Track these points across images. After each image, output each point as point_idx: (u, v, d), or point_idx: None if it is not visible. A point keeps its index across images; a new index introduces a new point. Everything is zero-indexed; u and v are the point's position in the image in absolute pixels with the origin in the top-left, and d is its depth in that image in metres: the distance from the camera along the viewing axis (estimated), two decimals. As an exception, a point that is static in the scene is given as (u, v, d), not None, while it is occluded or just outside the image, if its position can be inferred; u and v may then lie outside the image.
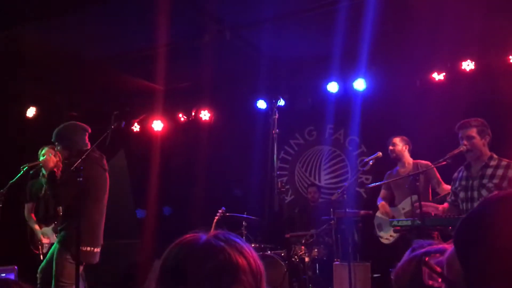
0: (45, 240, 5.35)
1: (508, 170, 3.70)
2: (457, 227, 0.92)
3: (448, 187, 4.65)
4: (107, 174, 4.26)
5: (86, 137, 4.24)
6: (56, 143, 4.18)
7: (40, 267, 4.07)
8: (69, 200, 3.88)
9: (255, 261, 1.03)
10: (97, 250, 4.02)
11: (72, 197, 3.82)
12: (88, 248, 3.89)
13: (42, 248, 5.35)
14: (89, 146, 4.16)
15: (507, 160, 3.79)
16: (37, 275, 4.02)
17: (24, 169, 5.14)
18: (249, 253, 1.04)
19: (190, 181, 7.59)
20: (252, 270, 1.01)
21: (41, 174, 5.42)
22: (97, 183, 4.06)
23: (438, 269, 1.00)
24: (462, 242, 0.89)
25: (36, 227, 5.41)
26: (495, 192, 0.92)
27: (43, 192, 5.35)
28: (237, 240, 1.06)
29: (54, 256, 3.88)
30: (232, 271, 0.98)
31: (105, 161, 4.27)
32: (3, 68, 6.09)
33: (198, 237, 1.05)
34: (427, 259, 1.16)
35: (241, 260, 1.00)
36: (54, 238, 5.24)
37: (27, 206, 5.51)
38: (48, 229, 5.34)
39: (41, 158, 5.30)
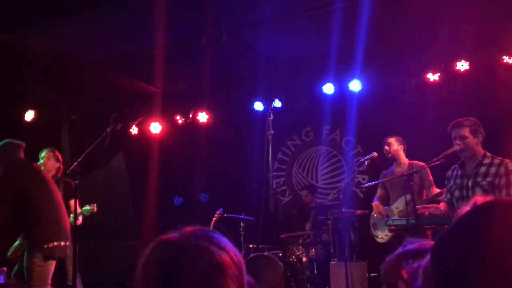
0: None
1: (500, 167, 3.74)
2: (435, 241, 0.92)
3: (438, 190, 4.72)
4: (41, 174, 4.44)
5: (21, 152, 4.36)
6: None
7: (14, 271, 4.26)
8: (6, 214, 4.03)
9: (235, 253, 1.07)
10: (64, 243, 4.20)
11: (8, 211, 3.99)
12: (55, 243, 4.09)
13: None
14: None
15: (500, 158, 3.83)
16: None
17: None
18: (229, 248, 1.06)
19: (189, 183, 7.64)
20: (235, 262, 1.04)
21: None
22: (32, 187, 4.18)
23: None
24: (437, 258, 0.89)
25: None
26: (472, 207, 0.90)
27: None
28: (216, 236, 1.08)
29: (24, 261, 4.05)
30: (219, 268, 1.01)
31: (34, 165, 4.53)
32: (2, 71, 6.13)
33: (175, 237, 1.06)
34: (403, 272, 1.19)
35: (224, 256, 1.03)
36: None
37: None
38: None
39: (41, 161, 5.37)
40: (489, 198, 0.91)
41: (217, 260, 1.02)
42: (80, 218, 5.30)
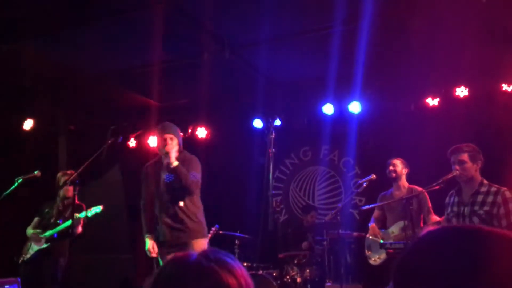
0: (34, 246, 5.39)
1: (497, 196, 3.73)
2: (395, 265, 0.92)
3: (437, 218, 4.71)
4: None
5: None
6: None
7: None
8: None
9: (246, 280, 1.06)
10: None
11: None
12: None
13: (26, 255, 5.37)
14: None
15: (497, 186, 3.83)
16: None
17: (19, 182, 5.17)
18: (239, 273, 1.05)
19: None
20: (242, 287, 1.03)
21: (58, 198, 5.58)
22: None
23: None
24: (396, 280, 0.89)
25: (30, 230, 5.46)
26: (422, 237, 0.90)
27: (54, 208, 5.50)
28: (228, 259, 1.07)
29: None
30: None
31: None
32: (2, 80, 6.13)
33: (189, 256, 1.07)
34: None
35: (232, 280, 1.02)
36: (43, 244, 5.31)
37: (35, 221, 5.61)
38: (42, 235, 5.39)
39: (61, 184, 5.44)
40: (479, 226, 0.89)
41: (223, 283, 1.01)
42: (80, 225, 5.32)
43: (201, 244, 4.24)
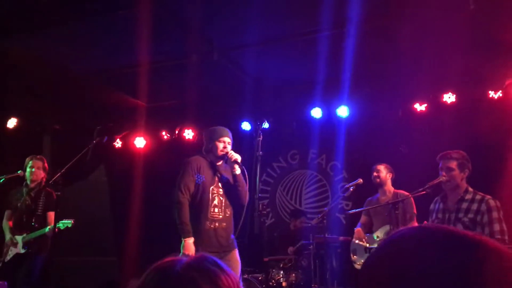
0: (13, 250, 5.24)
1: (482, 204, 3.75)
2: (362, 265, 0.90)
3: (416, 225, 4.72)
4: None
5: None
6: None
7: None
8: None
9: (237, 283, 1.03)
10: None
11: None
12: None
13: (6, 256, 5.25)
14: None
15: (481, 194, 3.85)
16: None
17: (1, 181, 5.08)
18: (224, 283, 1.02)
19: (172, 200, 7.49)
20: None
21: (24, 183, 5.35)
22: None
23: None
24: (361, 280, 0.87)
25: (9, 235, 5.30)
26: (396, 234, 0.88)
27: (21, 201, 5.26)
28: (212, 268, 1.03)
29: None
30: None
31: None
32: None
33: (173, 264, 1.03)
34: None
35: (229, 281, 1.00)
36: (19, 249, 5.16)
37: (6, 213, 5.42)
38: (19, 238, 5.23)
39: (28, 169, 5.26)
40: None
41: (223, 284, 0.99)
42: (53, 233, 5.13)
43: (237, 255, 4.11)
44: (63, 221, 5.00)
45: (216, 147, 4.11)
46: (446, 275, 0.76)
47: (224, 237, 4.04)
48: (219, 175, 4.12)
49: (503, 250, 0.79)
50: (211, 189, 4.07)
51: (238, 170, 4.04)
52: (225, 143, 4.11)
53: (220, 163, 4.15)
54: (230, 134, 4.23)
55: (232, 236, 4.12)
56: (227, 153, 4.04)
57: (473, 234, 0.82)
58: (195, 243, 3.93)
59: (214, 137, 4.17)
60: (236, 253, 4.10)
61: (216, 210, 4.05)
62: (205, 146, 4.25)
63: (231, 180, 4.11)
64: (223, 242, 4.02)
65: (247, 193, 4.07)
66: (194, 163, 4.13)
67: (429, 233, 0.84)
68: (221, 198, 4.09)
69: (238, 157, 4.01)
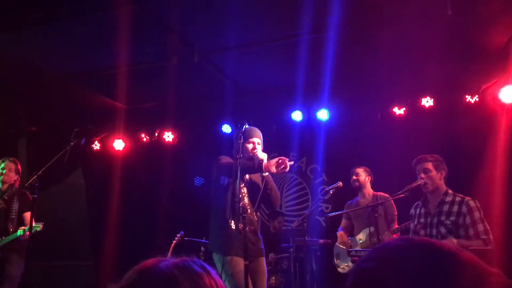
0: None
1: (462, 206, 3.79)
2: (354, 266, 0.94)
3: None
4: None
5: None
6: None
7: None
8: None
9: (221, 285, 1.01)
10: None
11: None
12: None
13: None
14: None
15: (461, 195, 3.90)
16: None
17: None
18: (207, 284, 1.00)
19: (151, 203, 7.44)
20: None
21: None
22: None
23: None
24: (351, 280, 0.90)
25: None
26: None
27: None
28: (197, 269, 1.02)
29: None
30: None
31: None
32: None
33: (158, 263, 1.02)
34: None
35: (212, 282, 0.99)
36: None
37: None
38: None
39: (0, 171, 5.13)
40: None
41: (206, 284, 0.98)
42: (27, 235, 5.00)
43: (264, 262, 3.81)
44: (33, 225, 4.87)
45: (246, 148, 3.88)
46: (425, 284, 0.81)
47: (254, 242, 3.75)
48: (247, 177, 3.89)
49: (477, 262, 0.85)
50: (242, 189, 3.82)
51: (266, 172, 3.71)
52: (254, 144, 3.90)
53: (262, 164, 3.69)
54: (260, 135, 4.01)
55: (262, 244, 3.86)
56: (255, 153, 3.78)
57: (449, 246, 0.87)
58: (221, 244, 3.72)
59: (247, 137, 3.92)
60: (263, 260, 3.82)
61: (249, 212, 3.81)
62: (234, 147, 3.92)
63: (260, 183, 3.86)
64: (252, 247, 3.68)
65: (278, 195, 3.91)
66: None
67: (409, 245, 0.89)
68: (253, 200, 3.86)
69: (264, 157, 3.71)
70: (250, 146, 3.90)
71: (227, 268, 3.56)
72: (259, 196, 3.83)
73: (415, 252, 0.87)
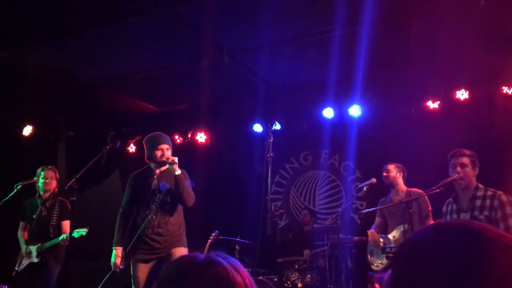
0: (27, 260, 5.29)
1: (494, 200, 3.71)
2: (396, 250, 0.96)
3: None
4: None
5: None
6: None
7: None
8: None
9: (251, 283, 1.06)
10: None
11: None
12: None
13: (19, 266, 5.30)
14: None
15: (492, 189, 3.81)
16: None
17: (18, 188, 5.14)
18: (245, 275, 1.06)
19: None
20: (246, 286, 1.03)
21: (37, 194, 5.40)
22: None
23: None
24: (396, 266, 0.92)
25: (23, 245, 5.36)
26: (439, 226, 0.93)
27: (37, 212, 5.32)
28: (236, 260, 1.08)
29: None
30: (228, 284, 1.00)
31: None
32: (2, 86, 6.13)
33: (197, 255, 1.08)
34: (376, 285, 1.19)
35: (238, 278, 1.02)
36: (33, 258, 5.21)
37: (21, 224, 5.49)
38: (33, 248, 5.29)
39: (41, 180, 5.32)
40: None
41: (228, 276, 1.01)
42: (67, 242, 5.17)
43: (182, 251, 4.13)
44: (77, 230, 5.05)
45: (154, 155, 4.23)
46: (460, 267, 0.80)
47: (161, 242, 4.14)
48: (156, 181, 4.20)
49: None
50: (148, 196, 4.19)
51: (178, 171, 4.10)
52: (163, 150, 4.21)
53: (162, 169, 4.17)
54: (167, 140, 4.33)
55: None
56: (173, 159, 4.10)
57: (492, 228, 0.89)
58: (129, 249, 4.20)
59: (152, 145, 4.29)
60: (179, 250, 4.14)
61: (156, 215, 4.14)
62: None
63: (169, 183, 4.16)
64: (158, 246, 4.13)
65: (191, 192, 4.18)
66: (130, 178, 4.45)
67: (451, 225, 0.91)
68: (160, 204, 4.18)
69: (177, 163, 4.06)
70: (159, 152, 4.19)
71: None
72: (168, 198, 4.17)
73: (456, 233, 0.87)
